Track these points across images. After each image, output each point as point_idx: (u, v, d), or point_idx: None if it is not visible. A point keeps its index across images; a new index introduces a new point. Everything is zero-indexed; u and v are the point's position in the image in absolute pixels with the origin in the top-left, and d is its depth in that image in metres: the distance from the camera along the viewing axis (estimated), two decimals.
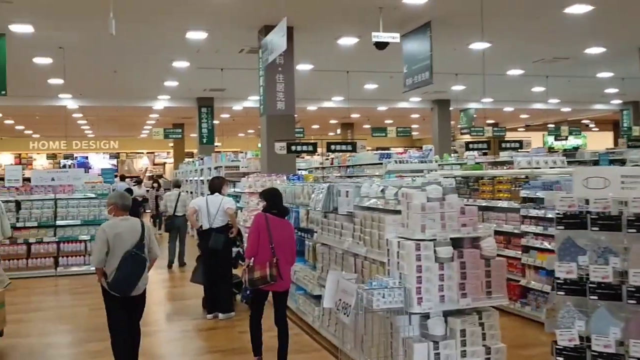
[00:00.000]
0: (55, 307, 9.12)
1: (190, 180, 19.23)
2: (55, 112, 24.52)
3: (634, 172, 3.97)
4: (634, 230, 3.69)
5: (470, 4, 11.29)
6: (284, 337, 5.69)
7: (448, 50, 14.79)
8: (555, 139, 28.83)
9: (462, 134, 29.24)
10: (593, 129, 39.00)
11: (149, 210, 21.55)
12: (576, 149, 27.98)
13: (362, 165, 16.70)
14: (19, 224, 11.45)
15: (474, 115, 26.81)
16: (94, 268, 5.58)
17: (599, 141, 35.13)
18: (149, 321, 7.79)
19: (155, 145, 39.50)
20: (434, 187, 4.51)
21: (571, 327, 3.75)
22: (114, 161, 40.35)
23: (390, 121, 32.90)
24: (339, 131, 36.12)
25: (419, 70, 12.04)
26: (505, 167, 14.91)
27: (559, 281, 3.83)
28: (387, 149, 27.99)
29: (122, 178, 21.44)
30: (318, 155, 21.81)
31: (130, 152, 41.30)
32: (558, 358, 3.80)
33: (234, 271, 8.19)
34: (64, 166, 30.81)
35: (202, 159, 17.72)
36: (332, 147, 12.75)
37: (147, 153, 41.69)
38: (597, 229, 3.83)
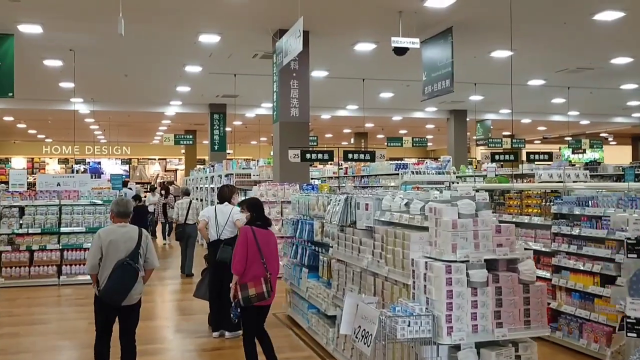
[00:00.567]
0: (55, 320, 8.66)
1: (201, 187, 18.83)
2: (66, 116, 24.21)
3: None
4: None
5: (496, 9, 10.83)
6: (268, 345, 5.56)
7: (468, 58, 14.30)
8: (573, 152, 28.18)
9: (477, 145, 28.66)
10: (611, 143, 38.25)
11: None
12: (594, 162, 27.34)
13: (377, 175, 16.26)
14: (21, 230, 11.05)
15: (491, 127, 26.26)
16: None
17: (616, 155, 34.40)
18: (150, 338, 7.32)
19: (167, 152, 39.24)
20: (466, 202, 4.03)
21: None
22: (126, 167, 40.10)
23: (405, 131, 32.40)
24: (352, 140, 35.65)
25: (439, 77, 11.57)
26: (526, 181, 14.37)
27: (629, 320, 3.28)
28: (401, 159, 27.51)
29: (125, 184, 20.93)
30: (330, 164, 21.40)
31: (142, 158, 41.06)
32: None
33: None
34: (74, 171, 30.53)
35: (212, 166, 17.34)
36: (350, 155, 12.21)
37: (159, 159, 41.43)
38: None
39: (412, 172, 14.30)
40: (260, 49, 13.44)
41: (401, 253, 4.42)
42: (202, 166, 23.84)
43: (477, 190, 5.10)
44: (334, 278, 6.03)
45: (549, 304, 6.84)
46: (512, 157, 11.94)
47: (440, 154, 36.22)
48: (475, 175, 15.85)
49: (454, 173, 15.07)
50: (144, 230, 5.38)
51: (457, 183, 11.82)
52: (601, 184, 9.63)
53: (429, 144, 37.26)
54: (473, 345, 3.83)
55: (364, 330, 3.96)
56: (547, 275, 6.80)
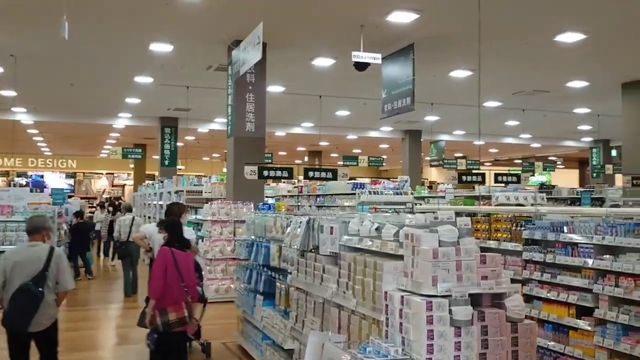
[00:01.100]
0: None
1: (149, 204, 17.99)
2: (8, 127, 23.02)
3: None
4: None
5: (458, 27, 10.62)
6: None
7: (428, 77, 14.07)
8: (532, 176, 28.43)
9: (431, 166, 28.68)
10: (559, 166, 39.02)
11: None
12: (545, 185, 27.61)
13: (333, 195, 15.82)
14: None
15: (444, 148, 26.28)
16: None
17: (564, 178, 34.98)
18: None
19: (116, 166, 37.97)
20: (448, 227, 3.57)
21: None
22: (71, 181, 38.56)
23: (359, 150, 32.23)
24: (306, 158, 35.24)
25: (400, 95, 11.25)
26: (483, 203, 14.13)
27: None
28: (354, 178, 27.21)
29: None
30: (284, 182, 20.85)
31: (89, 172, 39.61)
32: None
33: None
34: (13, 185, 29.01)
35: (162, 181, 16.58)
36: (310, 173, 11.69)
37: (107, 174, 40.05)
38: None
39: (370, 192, 13.91)
40: (215, 61, 12.87)
41: (372, 284, 3.93)
42: (151, 182, 22.92)
43: (460, 215, 4.66)
44: (292, 308, 5.48)
45: None
46: (480, 179, 11.66)
47: (393, 174, 36.15)
48: (435, 197, 15.58)
49: (412, 194, 14.76)
50: (56, 250, 5.02)
51: (420, 205, 11.46)
52: (576, 208, 9.41)
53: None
54: None
55: None
56: None
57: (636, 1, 9.34)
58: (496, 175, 12.10)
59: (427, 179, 34.58)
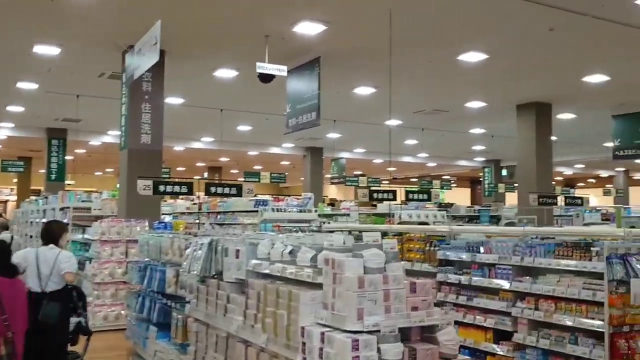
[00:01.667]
0: None
1: (32, 222, 16.51)
2: None
3: None
4: None
5: (364, 42, 10.44)
6: None
7: (332, 93, 13.81)
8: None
9: (332, 183, 28.65)
10: (452, 185, 40.37)
11: None
12: (444, 204, 28.32)
13: (234, 212, 15.19)
14: None
15: (345, 166, 26.33)
16: None
17: (456, 197, 36.19)
18: None
19: None
20: (374, 252, 3.15)
21: None
22: None
23: (260, 167, 31.72)
24: (206, 174, 34.23)
25: (305, 110, 10.89)
26: (387, 221, 14.04)
27: None
28: (255, 195, 26.61)
29: None
30: (182, 199, 19.93)
31: None
32: None
33: (71, 348, 6.17)
34: None
35: (47, 197, 15.25)
36: (212, 189, 10.98)
37: None
38: None
39: (273, 209, 13.43)
40: (108, 68, 11.95)
41: (285, 317, 3.42)
42: (34, 197, 21.19)
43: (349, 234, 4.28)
44: (191, 342, 4.85)
45: None
46: (391, 196, 11.47)
47: (294, 191, 35.89)
48: (340, 214, 15.34)
49: (315, 211, 14.43)
50: None
51: (328, 222, 11.10)
52: (492, 227, 9.36)
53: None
54: None
55: None
56: None
57: (533, 24, 9.51)
58: (407, 192, 11.98)
59: (326, 197, 34.61)
